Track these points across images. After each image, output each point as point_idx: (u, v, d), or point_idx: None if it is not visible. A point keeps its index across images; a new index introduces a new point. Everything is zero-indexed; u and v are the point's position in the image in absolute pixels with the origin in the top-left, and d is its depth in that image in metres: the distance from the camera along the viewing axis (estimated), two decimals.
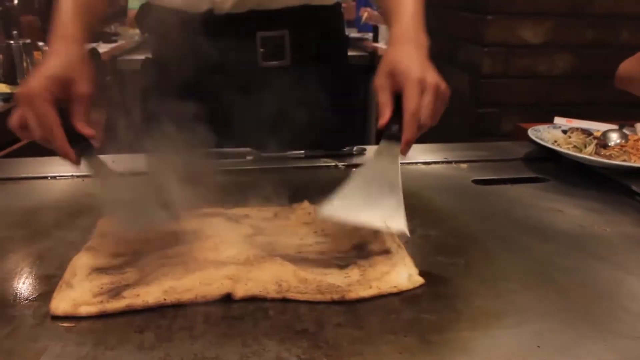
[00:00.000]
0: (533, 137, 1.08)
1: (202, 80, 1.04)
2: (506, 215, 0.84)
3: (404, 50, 0.80)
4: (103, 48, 2.69)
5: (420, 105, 0.74)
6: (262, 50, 1.03)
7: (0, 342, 0.53)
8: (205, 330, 0.54)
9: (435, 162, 1.05)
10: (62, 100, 0.74)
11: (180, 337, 0.53)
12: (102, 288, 0.61)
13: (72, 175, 0.97)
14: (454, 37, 1.97)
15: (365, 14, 3.70)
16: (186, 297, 0.59)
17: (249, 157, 1.02)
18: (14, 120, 0.75)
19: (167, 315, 0.57)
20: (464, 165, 1.04)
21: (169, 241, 0.71)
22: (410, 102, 0.74)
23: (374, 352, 0.52)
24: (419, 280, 0.64)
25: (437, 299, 0.61)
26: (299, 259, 0.67)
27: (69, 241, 0.73)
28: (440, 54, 2.06)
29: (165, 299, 0.59)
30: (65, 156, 0.74)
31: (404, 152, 0.75)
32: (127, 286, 0.61)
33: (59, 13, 0.85)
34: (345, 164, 1.01)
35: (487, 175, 0.99)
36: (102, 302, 0.59)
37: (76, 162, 0.75)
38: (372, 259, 0.68)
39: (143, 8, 1.14)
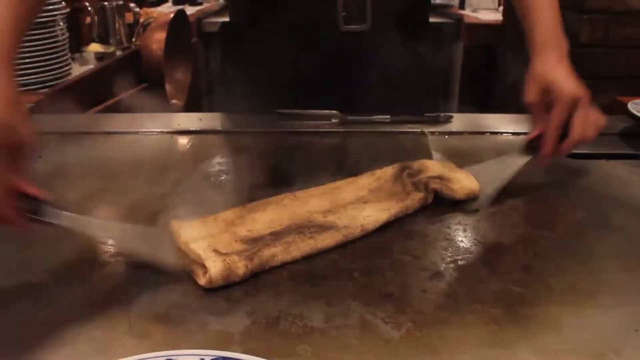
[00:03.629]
0: (633, 111, 1.02)
1: (282, 44, 1.04)
2: (601, 191, 0.79)
3: (552, 62, 0.81)
4: (189, 10, 2.73)
5: (563, 121, 0.77)
6: (343, 13, 1.00)
7: (96, 285, 0.56)
8: (290, 288, 0.55)
9: (524, 133, 1.00)
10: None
11: (266, 293, 0.54)
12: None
13: (160, 132, 1.00)
14: None
15: None
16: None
17: (334, 120, 1.01)
18: None
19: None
20: None
21: None
22: (555, 118, 0.77)
23: (459, 320, 0.51)
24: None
25: (527, 271, 0.59)
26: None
27: (159, 194, 0.75)
28: None
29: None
30: (21, 229, 0.55)
31: (541, 164, 0.79)
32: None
33: None
34: (432, 130, 0.99)
35: (581, 148, 0.93)
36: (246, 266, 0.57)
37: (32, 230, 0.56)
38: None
39: None
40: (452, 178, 0.75)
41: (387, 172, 0.77)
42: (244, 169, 0.85)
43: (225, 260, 0.56)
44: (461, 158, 0.88)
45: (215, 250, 0.58)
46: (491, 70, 2.39)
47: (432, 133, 0.98)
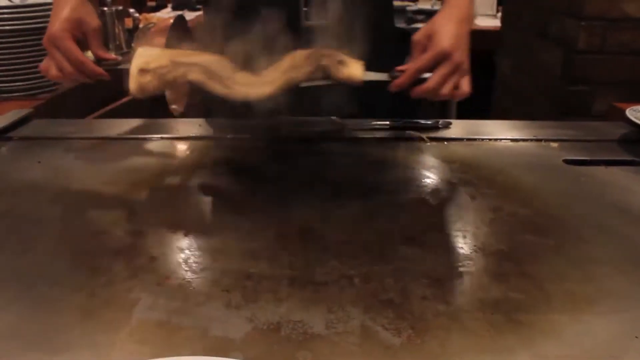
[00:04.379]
0: (632, 118, 1.02)
1: (249, 39, 1.06)
2: (599, 198, 0.80)
3: (449, 19, 0.88)
4: (189, 16, 2.75)
5: (426, 69, 0.84)
6: (305, 9, 1.05)
7: (98, 291, 0.56)
8: (290, 294, 0.55)
9: (523, 140, 1.01)
10: (78, 36, 0.91)
11: (265, 299, 0.54)
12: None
13: (160, 137, 1.00)
14: (546, 9, 1.87)
15: None
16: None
17: (333, 127, 1.01)
18: (44, 65, 0.91)
19: (253, 277, 0.58)
20: (554, 144, 0.99)
21: None
22: (419, 61, 0.85)
23: (460, 327, 0.51)
24: None
25: (526, 278, 0.59)
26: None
27: (159, 199, 0.76)
28: (530, 27, 1.96)
29: None
30: (98, 74, 0.91)
31: (390, 88, 0.86)
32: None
33: None
34: (431, 136, 0.99)
35: (579, 155, 0.94)
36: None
37: (108, 76, 0.92)
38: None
39: None
40: (347, 64, 0.84)
41: (302, 53, 0.86)
42: (244, 175, 0.86)
43: (140, 82, 0.81)
44: (461, 164, 0.89)
45: (142, 69, 0.81)
46: (489, 76, 2.39)
47: (432, 139, 0.99)
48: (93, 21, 0.92)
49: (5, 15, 1.37)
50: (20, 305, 0.54)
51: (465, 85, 0.86)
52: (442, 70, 0.83)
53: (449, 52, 0.83)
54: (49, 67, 0.91)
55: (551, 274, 0.60)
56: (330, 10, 1.03)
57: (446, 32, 0.85)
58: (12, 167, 0.90)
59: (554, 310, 0.54)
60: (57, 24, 0.90)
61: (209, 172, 0.88)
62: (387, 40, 1.14)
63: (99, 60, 0.92)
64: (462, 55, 0.85)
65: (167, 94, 1.89)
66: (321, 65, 0.83)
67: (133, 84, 0.82)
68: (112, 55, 0.93)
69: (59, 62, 0.90)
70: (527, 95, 2.06)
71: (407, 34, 1.25)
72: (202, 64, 0.83)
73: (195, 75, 0.82)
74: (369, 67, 1.01)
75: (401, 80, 0.85)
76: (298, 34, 1.04)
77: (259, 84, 0.84)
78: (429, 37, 0.86)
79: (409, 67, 0.85)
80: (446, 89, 0.84)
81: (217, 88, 0.82)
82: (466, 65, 0.86)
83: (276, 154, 0.93)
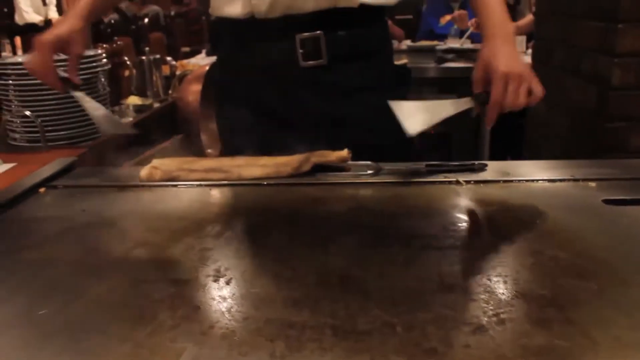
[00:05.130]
0: None
1: (253, 80, 1.17)
2: None
3: (495, 46, 1.01)
4: None
5: (502, 95, 0.97)
6: (301, 51, 1.11)
7: (142, 341, 0.57)
8: (334, 344, 0.55)
9: (560, 180, 1.00)
10: (61, 52, 1.12)
11: (310, 348, 0.55)
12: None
13: (199, 184, 1.02)
14: (579, 47, 1.87)
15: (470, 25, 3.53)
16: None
17: (369, 171, 1.03)
18: (27, 59, 1.14)
19: (296, 326, 0.58)
20: (592, 184, 0.98)
21: None
22: (494, 93, 0.98)
23: None
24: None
25: (570, 324, 0.58)
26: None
27: (200, 247, 0.77)
28: (562, 64, 1.96)
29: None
30: (54, 87, 1.16)
31: (487, 126, 1.07)
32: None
33: None
34: (467, 179, 0.99)
35: (619, 194, 0.93)
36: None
37: (63, 91, 1.17)
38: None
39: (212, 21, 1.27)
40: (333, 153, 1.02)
41: (295, 157, 1.03)
42: (281, 222, 0.87)
43: (150, 171, 1.03)
44: (498, 207, 0.88)
45: (153, 167, 1.03)
46: (521, 114, 2.38)
47: (468, 182, 0.98)
48: (78, 49, 1.13)
49: None
50: (69, 357, 0.55)
51: (537, 88, 0.99)
52: (511, 88, 0.97)
53: (508, 72, 0.96)
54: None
55: (596, 320, 0.59)
56: (325, 50, 1.11)
57: (499, 57, 0.98)
58: (57, 215, 0.93)
59: (600, 358, 0.53)
60: (51, 35, 1.10)
61: (247, 219, 0.90)
62: (386, 76, 1.21)
63: (65, 79, 1.15)
64: (519, 67, 0.98)
65: (203, 138, 1.94)
66: (310, 161, 1.01)
67: (145, 171, 1.03)
68: (78, 79, 1.17)
69: (37, 62, 1.11)
70: (560, 132, 2.05)
71: (405, 69, 1.30)
72: (202, 170, 1.04)
73: (195, 175, 1.03)
74: (367, 99, 1.12)
75: (490, 119, 1.00)
76: (295, 76, 1.10)
77: (252, 166, 1.02)
78: (487, 69, 0.99)
79: (490, 103, 0.99)
80: (521, 100, 0.98)
81: (215, 177, 1.02)
82: (527, 71, 0.98)
83: (312, 199, 0.94)
